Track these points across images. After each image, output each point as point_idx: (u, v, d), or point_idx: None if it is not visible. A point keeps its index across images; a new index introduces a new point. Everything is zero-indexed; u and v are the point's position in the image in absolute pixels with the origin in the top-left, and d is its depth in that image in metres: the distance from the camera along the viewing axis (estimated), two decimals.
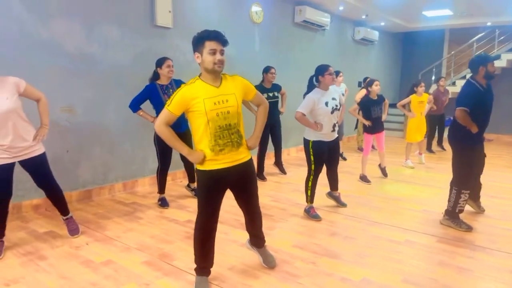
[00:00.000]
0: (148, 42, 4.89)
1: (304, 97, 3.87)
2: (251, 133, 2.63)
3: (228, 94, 2.33)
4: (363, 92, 7.20)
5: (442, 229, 3.69)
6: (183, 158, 4.43)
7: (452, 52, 10.76)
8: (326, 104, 3.74)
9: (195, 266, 2.60)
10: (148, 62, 4.90)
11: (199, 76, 2.35)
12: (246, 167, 2.51)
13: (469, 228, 3.62)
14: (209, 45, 2.23)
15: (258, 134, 2.65)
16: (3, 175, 2.98)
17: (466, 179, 3.62)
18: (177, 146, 2.38)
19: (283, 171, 5.98)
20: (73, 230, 3.40)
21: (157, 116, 3.94)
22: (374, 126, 5.42)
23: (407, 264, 2.95)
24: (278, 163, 5.98)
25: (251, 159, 2.56)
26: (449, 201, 3.72)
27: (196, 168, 2.44)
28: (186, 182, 4.96)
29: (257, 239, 2.85)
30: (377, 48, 10.63)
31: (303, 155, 7.57)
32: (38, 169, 3.16)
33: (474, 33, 10.11)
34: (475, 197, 4.12)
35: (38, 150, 3.12)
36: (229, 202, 2.67)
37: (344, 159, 7.08)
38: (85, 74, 4.35)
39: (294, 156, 7.56)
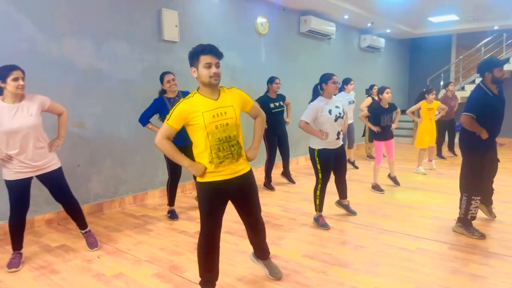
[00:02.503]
0: (155, 56, 4.98)
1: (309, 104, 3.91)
2: (249, 144, 2.63)
3: (226, 107, 2.35)
4: (369, 100, 7.19)
5: (454, 236, 3.64)
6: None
7: (460, 57, 10.71)
8: (330, 112, 3.76)
9: (200, 282, 2.59)
10: (155, 76, 4.96)
11: (197, 90, 2.38)
12: (246, 178, 2.51)
13: (482, 236, 3.55)
14: (204, 59, 2.27)
15: (257, 145, 2.64)
16: (21, 190, 3.08)
17: (476, 185, 3.56)
18: (178, 159, 2.39)
19: (291, 180, 5.97)
20: (92, 243, 3.45)
21: None
22: (384, 133, 5.37)
23: (419, 273, 2.92)
24: (286, 173, 5.97)
25: (251, 170, 2.56)
26: (460, 208, 3.66)
27: (197, 181, 2.44)
28: (195, 193, 4.99)
29: (261, 251, 2.83)
30: (383, 56, 10.63)
31: (311, 164, 7.58)
32: (55, 183, 3.25)
33: (482, 37, 10.06)
34: (487, 202, 4.05)
35: (54, 164, 3.22)
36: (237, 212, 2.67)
37: (356, 167, 7.07)
38: (96, 90, 4.43)
39: (303, 165, 7.55)
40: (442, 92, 9.67)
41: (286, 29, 7.18)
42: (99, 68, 4.43)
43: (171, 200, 4.33)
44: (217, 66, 2.30)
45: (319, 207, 3.96)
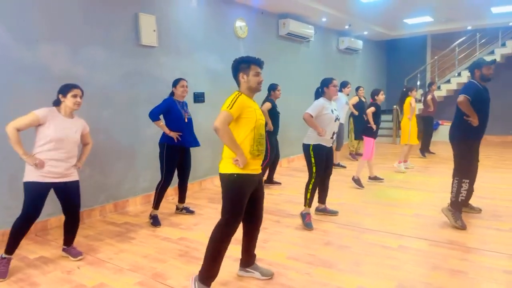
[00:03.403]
0: (133, 61, 4.91)
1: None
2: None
3: (259, 110, 2.75)
4: (356, 99, 7.65)
5: (435, 233, 3.72)
6: (181, 175, 4.45)
7: (435, 57, 10.99)
8: (332, 111, 3.98)
9: (201, 276, 2.63)
10: (134, 81, 4.93)
11: (240, 92, 2.65)
12: (261, 179, 2.82)
13: (463, 227, 3.69)
14: (255, 68, 2.66)
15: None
16: (40, 193, 3.12)
17: (467, 169, 3.83)
18: (236, 147, 2.53)
19: (277, 183, 6.01)
20: (77, 254, 3.39)
21: (173, 127, 4.18)
22: (376, 131, 5.72)
23: (401, 270, 2.96)
24: (270, 179, 6.00)
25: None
26: (451, 192, 3.87)
27: (231, 173, 2.58)
28: (177, 199, 4.93)
29: (251, 257, 2.94)
30: (361, 57, 10.79)
31: (294, 165, 7.63)
32: (71, 193, 3.30)
33: (456, 37, 10.35)
34: (465, 204, 4.14)
35: (75, 176, 3.33)
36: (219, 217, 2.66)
37: (343, 166, 7.24)
38: None
39: (285, 167, 7.57)
40: (419, 92, 9.94)
41: (265, 33, 7.21)
42: (76, 74, 4.33)
43: (158, 204, 4.27)
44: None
45: (309, 201, 4.01)
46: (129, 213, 4.76)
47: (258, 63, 2.68)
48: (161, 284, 2.86)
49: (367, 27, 9.42)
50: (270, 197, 5.34)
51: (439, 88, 10.54)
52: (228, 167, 2.59)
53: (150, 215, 4.30)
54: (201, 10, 5.86)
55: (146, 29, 4.95)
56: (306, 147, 4.02)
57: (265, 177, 5.92)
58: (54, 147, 3.08)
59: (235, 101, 2.54)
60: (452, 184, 3.89)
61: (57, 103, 3.21)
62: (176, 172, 4.40)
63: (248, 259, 2.94)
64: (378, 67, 11.97)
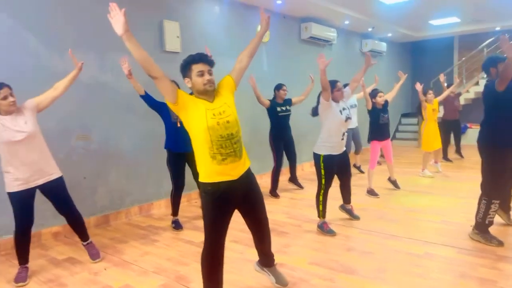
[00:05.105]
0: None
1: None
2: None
3: (221, 106, 2.36)
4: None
5: (462, 240, 3.60)
6: (196, 179, 4.49)
7: (463, 59, 10.67)
8: (340, 112, 3.85)
9: None
10: None
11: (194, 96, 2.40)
12: (248, 178, 2.45)
13: (500, 244, 3.41)
14: (196, 67, 2.31)
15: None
16: (24, 201, 3.06)
17: (497, 188, 3.41)
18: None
19: (299, 185, 5.99)
20: (94, 255, 3.45)
21: (166, 132, 4.19)
22: (382, 132, 5.49)
23: (427, 278, 2.89)
24: (294, 178, 6.00)
25: (250, 169, 2.49)
26: (478, 212, 3.50)
27: (201, 183, 2.35)
28: (200, 202, 4.99)
29: (267, 258, 2.76)
30: (386, 59, 10.62)
31: (315, 169, 7.56)
32: (57, 193, 3.25)
33: (484, 38, 10.03)
34: (505, 208, 3.91)
35: (55, 174, 3.21)
36: (243, 221, 2.66)
37: (362, 172, 7.08)
38: (100, 103, 4.48)
39: (308, 171, 7.53)
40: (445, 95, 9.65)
41: (287, 37, 7.21)
42: (103, 81, 4.48)
43: (175, 210, 4.33)
44: (210, 73, 2.33)
45: (322, 213, 3.96)
46: (153, 216, 4.85)
47: (199, 59, 2.31)
48: (184, 287, 2.89)
49: (391, 29, 9.28)
50: (292, 201, 5.33)
51: (467, 91, 10.24)
52: (201, 176, 2.35)
53: (171, 221, 4.36)
54: (224, 16, 5.93)
55: (170, 36, 5.05)
56: (316, 157, 3.92)
57: (269, 188, 5.68)
58: (12, 151, 2.92)
59: (186, 93, 2.33)
60: (479, 203, 3.47)
61: None
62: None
63: (264, 260, 2.78)
64: (402, 70, 11.54)
